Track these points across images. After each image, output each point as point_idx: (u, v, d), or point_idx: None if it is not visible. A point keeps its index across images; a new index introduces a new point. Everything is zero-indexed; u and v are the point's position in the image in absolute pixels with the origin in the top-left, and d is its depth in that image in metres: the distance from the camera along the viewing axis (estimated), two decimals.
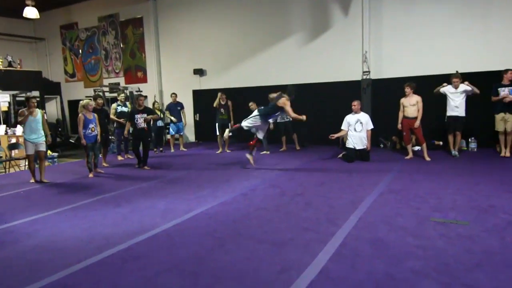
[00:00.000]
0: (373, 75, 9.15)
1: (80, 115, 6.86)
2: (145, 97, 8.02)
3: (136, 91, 11.49)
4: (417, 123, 7.17)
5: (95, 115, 7.05)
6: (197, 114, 11.98)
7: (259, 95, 8.94)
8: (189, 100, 11.89)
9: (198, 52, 11.83)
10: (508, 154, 7.10)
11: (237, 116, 9.04)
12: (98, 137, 7.06)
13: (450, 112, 7.32)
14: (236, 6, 11.04)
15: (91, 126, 6.88)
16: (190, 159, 8.66)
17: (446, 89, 7.28)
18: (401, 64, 8.86)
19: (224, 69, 11.45)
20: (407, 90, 7.24)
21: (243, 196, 5.09)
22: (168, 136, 10.65)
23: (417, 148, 7.91)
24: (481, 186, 5.07)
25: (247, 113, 8.82)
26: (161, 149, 10.04)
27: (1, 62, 12.39)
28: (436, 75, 8.25)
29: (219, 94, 9.16)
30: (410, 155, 7.46)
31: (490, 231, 3.45)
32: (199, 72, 11.75)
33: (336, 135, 7.39)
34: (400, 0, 8.85)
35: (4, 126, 10.98)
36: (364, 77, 9.14)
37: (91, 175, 6.98)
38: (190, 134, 12.33)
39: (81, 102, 7.06)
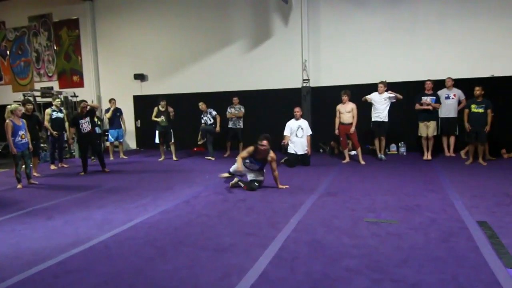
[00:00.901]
0: (312, 83, 9.53)
1: (7, 121, 6.33)
2: (85, 101, 7.73)
3: (71, 96, 10.88)
4: (352, 129, 7.59)
5: (24, 121, 6.57)
6: (138, 120, 11.63)
7: (202, 101, 8.93)
8: (129, 106, 11.51)
9: (139, 56, 11.51)
10: (430, 157, 7.77)
11: (179, 123, 8.95)
12: (30, 145, 6.58)
13: (374, 118, 7.87)
14: (178, 11, 10.93)
15: (20, 133, 6.39)
16: (130, 167, 8.37)
17: (372, 96, 7.82)
18: (338, 73, 9.34)
19: (166, 75, 11.25)
20: (344, 97, 7.65)
21: (185, 203, 5.03)
22: (107, 143, 10.21)
23: (353, 152, 8.36)
24: (409, 187, 5.49)
25: (190, 119, 8.81)
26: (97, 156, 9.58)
27: None
28: (369, 83, 8.81)
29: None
30: (347, 159, 7.87)
31: (416, 229, 3.74)
32: (140, 77, 11.43)
33: (286, 141, 7.57)
34: (336, 11, 9.35)
35: None
36: (304, 84, 9.49)
37: (19, 186, 6.48)
38: (131, 141, 11.91)
39: (8, 107, 6.53)
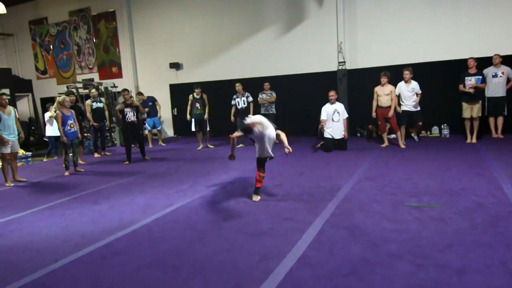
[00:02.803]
0: (349, 65, 9.28)
1: (58, 112, 6.69)
2: (129, 91, 7.91)
3: (111, 87, 11.27)
4: (391, 113, 7.33)
5: (73, 111, 6.91)
6: (175, 109, 11.87)
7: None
8: (166, 95, 11.76)
9: (173, 45, 11.68)
10: (474, 141, 7.36)
11: (214, 110, 8.99)
12: (79, 134, 6.93)
13: (403, 107, 7.47)
14: None
15: (69, 122, 6.74)
16: (169, 154, 8.59)
17: (399, 86, 7.43)
18: (375, 54, 9.01)
19: (200, 62, 11.35)
20: (383, 79, 7.38)
21: (222, 189, 5.11)
22: (146, 132, 10.52)
23: (392, 136, 8.09)
24: (452, 170, 5.25)
25: (224, 106, 8.86)
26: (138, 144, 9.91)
27: None
28: (409, 64, 8.44)
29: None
30: (386, 143, 7.64)
31: (461, 213, 3.59)
32: (176, 66, 11.61)
33: (323, 124, 7.42)
34: None
35: None
36: (340, 67, 9.26)
37: (67, 173, 6.84)
38: (168, 129, 12.21)
39: (57, 98, 6.89)
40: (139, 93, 9.94)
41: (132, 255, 3.14)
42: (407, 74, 7.24)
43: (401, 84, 7.41)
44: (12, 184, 6.30)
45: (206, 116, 8.84)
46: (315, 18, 9.59)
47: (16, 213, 4.57)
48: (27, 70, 14.80)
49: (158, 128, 10.11)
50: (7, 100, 6.35)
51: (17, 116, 6.69)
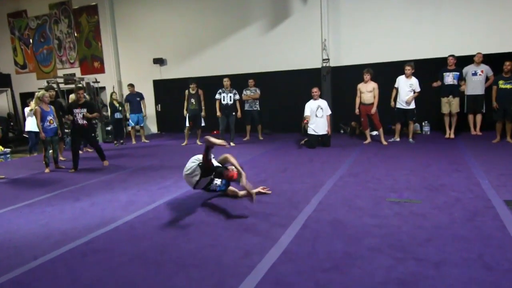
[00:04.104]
0: (332, 63, 9.35)
1: (36, 107, 6.53)
2: (84, 88, 7.27)
3: (93, 82, 11.06)
4: (374, 110, 7.43)
5: (52, 107, 6.76)
6: (159, 105, 11.75)
7: (221, 84, 8.88)
8: (149, 90, 11.63)
9: (157, 41, 11.54)
10: (452, 136, 7.55)
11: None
12: (58, 130, 6.78)
13: (398, 104, 7.47)
14: None
15: (49, 118, 6.59)
16: (152, 151, 8.51)
17: (399, 79, 7.45)
18: (359, 51, 9.11)
19: (185, 58, 11.26)
20: (366, 76, 7.47)
21: None
22: (129, 128, 10.39)
23: (375, 133, 8.21)
24: (432, 167, 5.37)
25: (209, 102, 8.81)
26: (121, 141, 9.80)
27: None
28: (392, 61, 8.59)
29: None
30: (368, 139, 7.74)
31: (440, 208, 3.67)
32: (159, 61, 11.49)
33: (306, 120, 7.44)
34: None
35: None
36: (324, 64, 9.32)
37: (47, 170, 6.70)
38: (152, 125, 12.08)
39: (36, 94, 6.73)
40: (130, 85, 9.77)
41: (113, 252, 3.11)
42: (408, 69, 7.25)
43: (401, 77, 7.40)
44: None
45: (203, 113, 8.78)
46: (299, 15, 9.62)
47: None
48: (5, 64, 14.40)
49: (141, 125, 10.00)
50: None
51: None
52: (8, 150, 9.40)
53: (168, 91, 11.36)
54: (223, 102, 8.42)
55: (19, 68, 14.29)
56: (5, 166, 7.60)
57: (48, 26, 13.36)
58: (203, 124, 8.97)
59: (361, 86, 7.57)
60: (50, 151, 6.88)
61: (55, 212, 4.29)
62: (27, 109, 9.05)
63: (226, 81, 8.44)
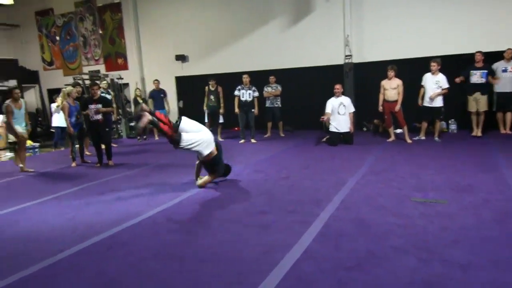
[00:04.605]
0: (355, 59, 9.20)
1: (64, 103, 6.73)
2: (98, 85, 7.11)
3: (117, 78, 11.28)
4: (398, 107, 7.27)
5: (78, 103, 6.93)
6: (181, 101, 11.86)
7: (241, 80, 8.87)
8: (171, 87, 11.75)
9: (179, 37, 11.63)
10: (479, 134, 7.31)
11: (224, 103, 8.95)
12: (84, 125, 6.95)
13: (425, 102, 7.26)
14: None
15: (76, 113, 6.77)
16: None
17: (425, 76, 7.25)
18: (383, 47, 8.92)
19: (206, 55, 11.31)
20: (390, 73, 7.31)
21: (228, 181, 5.12)
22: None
23: (399, 131, 8.05)
24: (459, 166, 5.21)
25: (229, 99, 8.82)
26: (144, 137, 9.96)
27: None
28: (417, 58, 8.36)
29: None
30: (392, 137, 7.59)
31: (467, 209, 3.57)
32: (181, 58, 11.58)
33: (325, 117, 7.40)
34: None
35: None
36: (347, 61, 9.19)
37: (74, 164, 6.89)
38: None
39: (63, 90, 6.92)
40: (156, 80, 9.92)
41: (137, 246, 3.17)
42: (434, 65, 7.04)
43: (427, 75, 7.19)
44: (26, 169, 6.43)
45: (221, 110, 8.83)
46: (321, 11, 9.50)
47: (24, 203, 4.62)
48: (33, 61, 14.82)
49: None
50: (19, 94, 6.44)
51: (26, 109, 6.73)
52: (36, 144, 9.72)
53: (190, 88, 11.44)
54: (242, 98, 8.40)
55: (47, 64, 14.70)
56: (33, 160, 7.85)
57: (74, 23, 13.68)
58: (221, 120, 9.02)
59: (384, 83, 7.42)
60: (77, 145, 7.07)
61: (81, 205, 4.40)
62: (53, 105, 9.32)
63: (246, 78, 8.43)
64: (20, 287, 2.62)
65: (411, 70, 7.95)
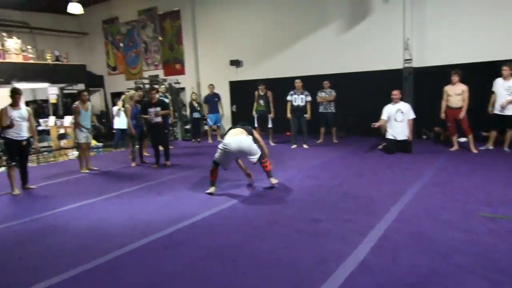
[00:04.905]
0: (416, 63, 8.78)
1: (127, 105, 7.13)
2: (156, 89, 7.47)
3: (175, 83, 11.74)
4: (462, 114, 6.81)
5: (140, 106, 7.29)
6: (234, 105, 12.07)
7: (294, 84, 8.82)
8: (226, 91, 11.99)
9: (234, 43, 11.86)
10: None
11: (275, 108, 8.96)
12: (144, 127, 7.30)
13: (495, 110, 6.70)
14: None
15: (137, 116, 7.13)
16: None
17: (496, 82, 6.69)
18: (446, 50, 8.42)
19: (260, 60, 11.41)
20: (454, 78, 6.87)
21: (280, 186, 5.09)
22: (206, 127, 10.82)
23: (463, 139, 7.54)
24: None
25: (283, 104, 8.80)
26: (198, 139, 10.24)
27: (50, 56, 13.06)
28: (485, 62, 7.79)
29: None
30: (455, 146, 7.12)
31: None
32: (236, 63, 11.80)
33: (377, 124, 7.16)
34: None
35: (53, 117, 11.62)
36: (406, 65, 8.80)
37: (133, 164, 7.25)
38: (227, 125, 12.44)
39: (127, 93, 7.31)
40: (211, 85, 10.21)
41: (192, 246, 3.24)
42: (505, 70, 6.51)
43: (498, 80, 6.66)
44: (86, 171, 6.83)
45: (271, 114, 8.87)
46: (379, 13, 9.19)
47: (89, 199, 4.93)
48: (99, 66, 15.91)
49: (218, 124, 10.35)
50: (87, 97, 6.91)
51: (93, 111, 7.21)
52: (100, 144, 10.37)
53: (243, 92, 11.60)
54: (294, 103, 8.36)
55: (111, 70, 15.68)
56: (97, 159, 8.37)
57: (136, 31, 14.47)
58: (270, 125, 9.01)
59: (448, 89, 6.99)
60: (137, 146, 7.43)
61: (140, 204, 4.61)
62: (115, 108, 9.89)
63: (298, 83, 8.40)
64: (83, 279, 2.78)
65: (478, 75, 7.43)
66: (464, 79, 6.92)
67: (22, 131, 5.47)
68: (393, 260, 2.78)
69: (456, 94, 6.86)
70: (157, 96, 7.17)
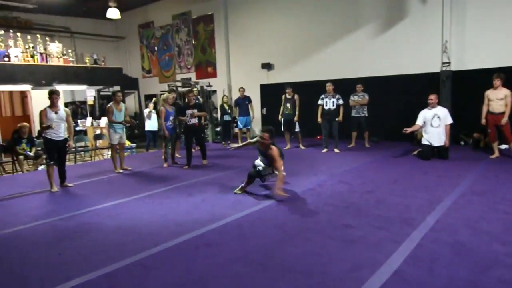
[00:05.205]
0: (454, 67, 8.46)
1: (161, 108, 7.30)
2: (193, 91, 7.67)
3: (206, 86, 11.90)
4: (504, 120, 6.49)
5: (174, 108, 7.43)
6: (264, 108, 12.08)
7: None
8: (256, 94, 12.03)
9: (266, 46, 11.89)
10: None
11: (304, 111, 8.89)
12: (178, 129, 7.43)
13: None
14: None
15: (171, 118, 7.29)
16: (257, 153, 8.73)
17: None
18: (487, 53, 8.06)
19: (291, 63, 11.38)
20: (496, 82, 6.56)
21: (311, 191, 5.04)
22: (236, 130, 10.89)
23: (504, 146, 7.17)
24: None
25: (315, 107, 8.72)
26: (229, 142, 10.31)
27: (88, 60, 13.60)
28: None
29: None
30: (496, 154, 6.79)
31: None
32: (267, 66, 11.81)
33: (410, 129, 6.96)
34: None
35: (90, 118, 12.08)
36: (444, 68, 8.49)
37: (165, 165, 7.39)
38: (257, 127, 12.47)
39: (161, 96, 7.49)
40: (242, 88, 10.29)
41: (222, 248, 3.25)
42: None
43: None
44: (120, 171, 7.03)
45: (296, 118, 8.79)
46: (416, 15, 8.93)
47: (122, 198, 5.07)
48: (134, 69, 16.40)
49: (248, 127, 10.39)
50: (121, 97, 7.10)
51: (127, 113, 7.40)
52: (133, 145, 10.66)
53: (274, 95, 11.57)
54: (325, 107, 8.26)
55: (145, 73, 16.12)
56: (130, 159, 8.61)
57: (170, 34, 14.82)
58: (297, 129, 8.92)
59: (489, 93, 6.69)
60: (169, 148, 7.58)
61: (172, 204, 4.69)
62: (146, 111, 10.14)
63: (329, 86, 8.30)
64: (117, 276, 2.85)
65: None
66: (507, 83, 6.60)
67: (60, 132, 5.67)
68: (429, 271, 2.68)
69: (498, 99, 6.55)
70: (193, 98, 7.36)
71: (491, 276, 2.57)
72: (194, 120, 7.13)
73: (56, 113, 5.61)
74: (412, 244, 3.14)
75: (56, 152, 5.72)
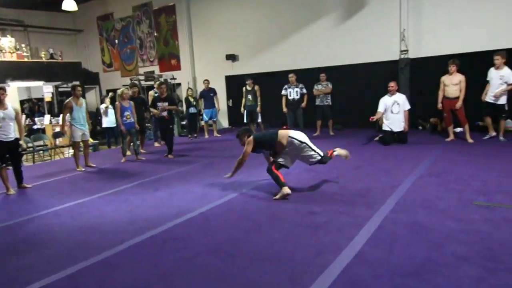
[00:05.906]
0: (412, 54, 8.77)
1: (117, 103, 7.13)
2: (166, 84, 7.95)
3: (170, 79, 11.69)
4: (459, 104, 6.82)
5: (132, 103, 7.27)
6: (230, 100, 12.04)
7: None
8: (222, 86, 11.96)
9: (230, 37, 11.81)
10: None
11: (269, 102, 8.97)
12: (136, 124, 7.28)
13: (487, 98, 6.76)
14: None
15: (126, 113, 7.12)
16: (224, 145, 8.75)
17: (490, 71, 6.72)
18: (443, 40, 8.40)
19: (256, 54, 11.37)
20: (451, 67, 6.87)
21: None
22: (202, 123, 10.81)
23: (459, 129, 7.55)
24: None
25: (279, 97, 8.79)
26: (195, 135, 10.22)
27: (44, 54, 12.98)
28: (481, 51, 7.79)
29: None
30: (451, 137, 7.14)
31: None
32: (232, 57, 11.75)
33: (375, 117, 7.17)
34: None
35: (49, 115, 11.58)
36: (402, 56, 8.79)
37: (123, 159, 7.30)
38: (223, 119, 12.44)
39: (118, 91, 7.34)
40: (207, 80, 10.19)
41: (190, 241, 3.25)
42: (497, 59, 6.55)
43: (491, 70, 6.72)
44: (83, 169, 6.81)
45: (258, 108, 8.89)
46: (376, 4, 9.15)
47: (85, 197, 4.93)
48: (94, 63, 15.82)
49: (214, 119, 10.34)
50: (81, 92, 6.86)
51: (87, 109, 7.17)
52: (95, 142, 10.34)
53: (239, 87, 11.54)
54: (289, 97, 8.45)
55: (106, 66, 15.61)
56: (94, 157, 8.34)
57: (131, 27, 14.39)
58: (259, 119, 9.07)
59: (445, 79, 6.99)
60: (137, 143, 7.47)
61: (137, 200, 4.62)
62: (102, 106, 9.85)
63: (291, 77, 8.50)
64: (80, 276, 2.79)
65: (474, 64, 7.44)
66: (462, 69, 6.92)
67: (9, 132, 5.33)
68: (389, 251, 2.80)
69: (453, 84, 6.87)
70: (165, 91, 7.59)
71: (446, 252, 2.73)
72: (164, 113, 7.39)
73: (3, 111, 5.23)
74: (373, 226, 3.27)
75: (7, 153, 5.38)
